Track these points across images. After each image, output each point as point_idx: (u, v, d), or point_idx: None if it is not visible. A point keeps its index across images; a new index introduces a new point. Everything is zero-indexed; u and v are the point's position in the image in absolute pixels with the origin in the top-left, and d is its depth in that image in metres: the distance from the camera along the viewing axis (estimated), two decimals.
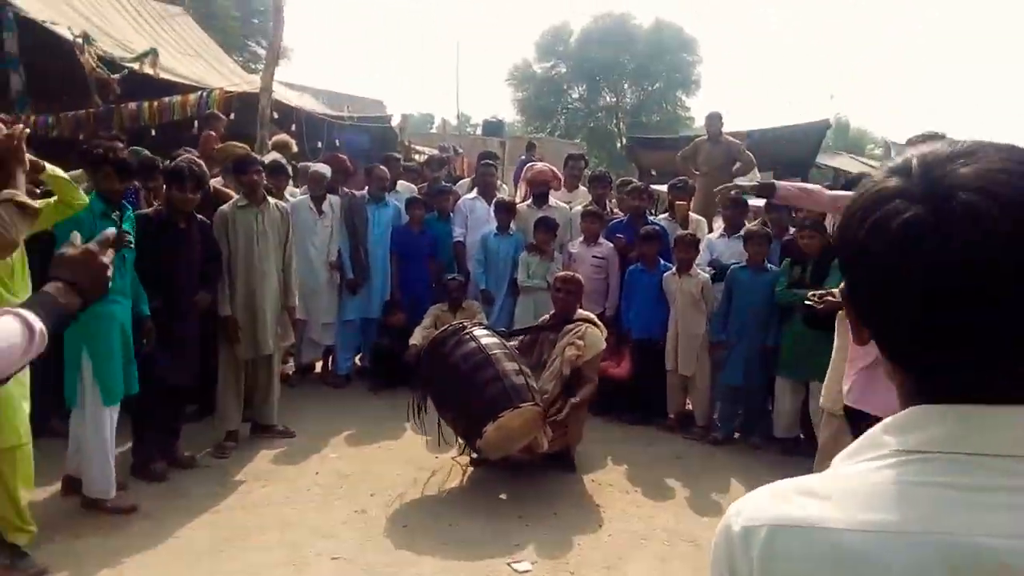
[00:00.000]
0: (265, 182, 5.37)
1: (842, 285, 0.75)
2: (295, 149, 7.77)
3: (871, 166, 14.89)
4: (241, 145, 6.71)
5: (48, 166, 3.49)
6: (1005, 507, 0.62)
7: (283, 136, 7.91)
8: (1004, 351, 0.64)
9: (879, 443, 0.69)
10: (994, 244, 0.62)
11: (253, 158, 5.47)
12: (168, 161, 4.91)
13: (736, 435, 5.71)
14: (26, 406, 3.32)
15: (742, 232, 5.93)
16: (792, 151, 11.77)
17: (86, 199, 3.68)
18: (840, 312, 4.29)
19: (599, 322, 5.19)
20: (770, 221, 6.19)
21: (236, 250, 4.99)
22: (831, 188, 6.76)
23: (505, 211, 6.50)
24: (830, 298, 3.97)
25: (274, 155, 6.87)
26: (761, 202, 8.08)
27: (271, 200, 5.22)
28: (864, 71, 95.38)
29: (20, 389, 3.25)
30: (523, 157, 11.39)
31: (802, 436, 5.44)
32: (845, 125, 32.29)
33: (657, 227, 6.13)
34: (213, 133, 7.46)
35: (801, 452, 5.34)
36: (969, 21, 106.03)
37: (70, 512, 3.95)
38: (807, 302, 4.15)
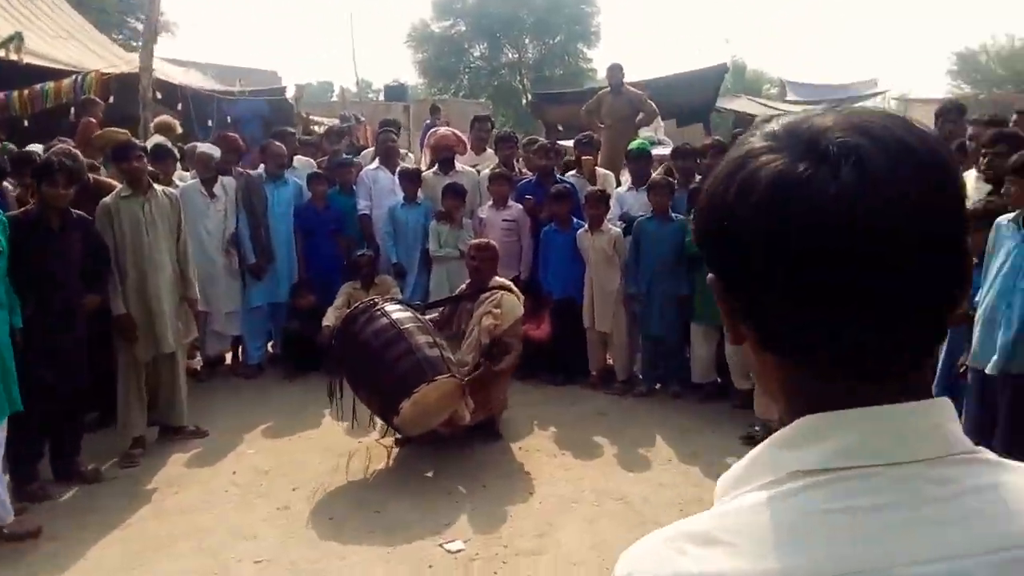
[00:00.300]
0: (149, 168, 5.04)
1: (710, 275, 0.65)
2: (180, 130, 7.36)
3: (769, 106, 15.23)
4: (121, 131, 6.30)
5: None
6: (932, 523, 0.54)
7: (165, 117, 7.46)
8: (906, 318, 0.57)
9: (772, 463, 0.60)
10: (875, 187, 0.55)
11: (133, 143, 5.12)
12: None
13: (658, 386, 5.77)
14: None
15: (632, 187, 5.95)
16: (692, 97, 11.85)
17: None
18: None
19: (515, 288, 5.12)
20: (677, 170, 6.21)
21: (123, 243, 4.67)
22: (733, 130, 6.89)
23: (410, 180, 6.31)
24: None
25: (157, 138, 6.48)
26: (666, 150, 8.15)
27: (157, 187, 4.90)
28: (756, 12, 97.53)
29: None
30: (428, 121, 11.14)
31: (719, 380, 5.55)
32: (742, 68, 32.83)
33: (567, 185, 6.07)
34: (92, 120, 6.99)
35: (719, 396, 5.47)
36: None
37: None
38: None
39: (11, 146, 5.10)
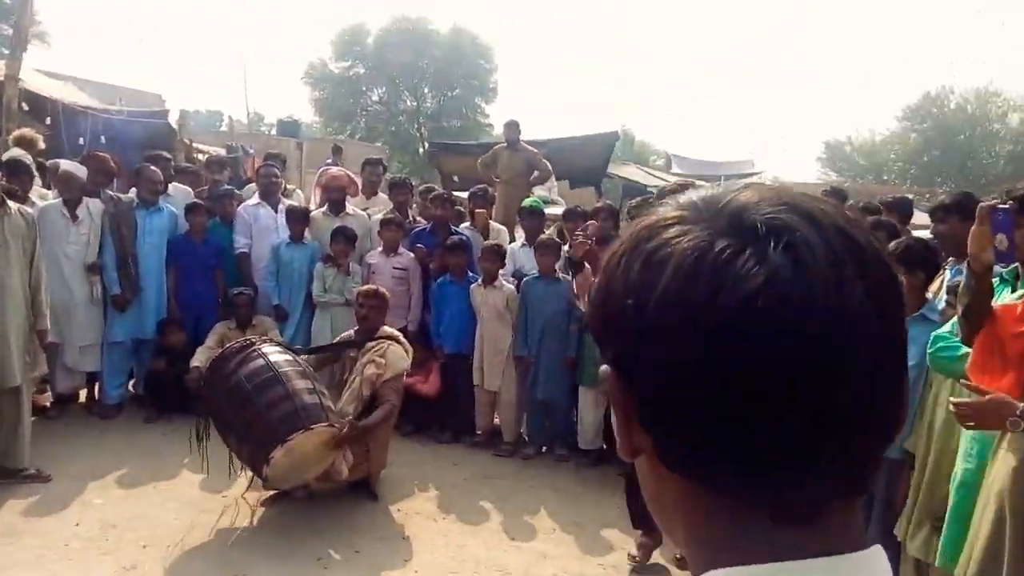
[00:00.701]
0: (4, 183, 4.57)
1: (604, 368, 0.54)
2: (42, 145, 6.77)
3: (656, 176, 15.90)
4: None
5: None
6: None
7: (26, 130, 6.88)
8: (847, 441, 0.47)
9: None
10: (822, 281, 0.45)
11: None
12: None
13: (544, 449, 5.67)
14: None
15: (525, 244, 5.95)
16: (585, 160, 12.16)
17: None
18: None
19: (403, 339, 4.93)
20: (567, 230, 6.24)
21: None
22: (623, 198, 7.08)
23: (297, 220, 6.04)
24: None
25: (15, 151, 5.93)
26: (558, 210, 8.24)
27: (12, 204, 4.43)
28: (646, 87, 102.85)
29: None
30: (330, 161, 10.86)
31: (604, 447, 5.51)
32: (631, 137, 34.33)
33: (463, 237, 5.98)
34: None
35: (606, 462, 5.42)
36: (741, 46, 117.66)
37: None
38: None
39: None
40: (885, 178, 30.23)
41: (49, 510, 4.17)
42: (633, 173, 16.70)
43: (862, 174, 30.98)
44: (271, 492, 4.35)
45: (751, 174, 20.14)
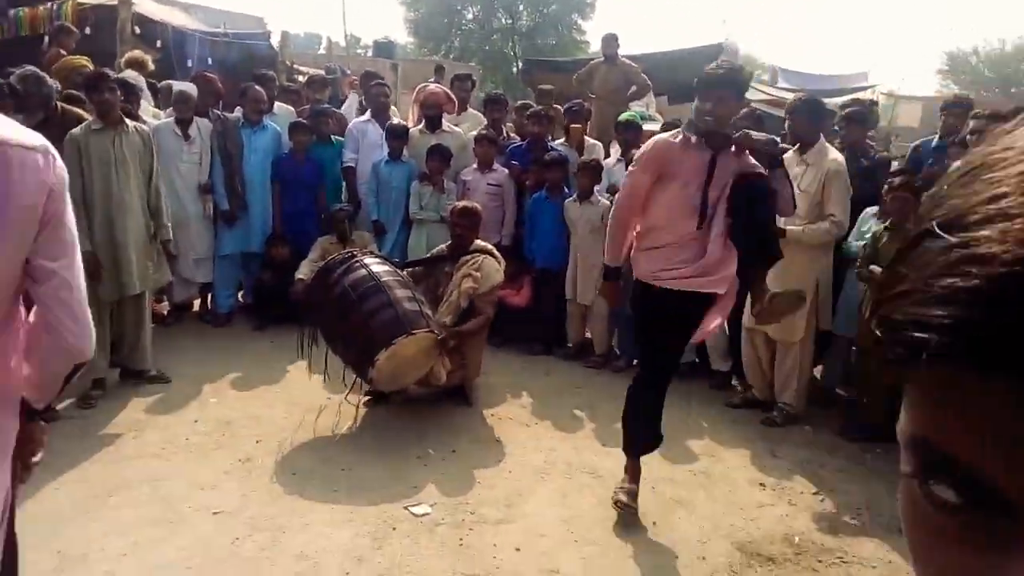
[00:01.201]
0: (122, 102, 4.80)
1: None
2: (152, 67, 7.04)
3: (761, 91, 15.11)
4: (81, 58, 6.01)
5: None
6: None
7: (137, 52, 7.13)
8: None
9: None
10: None
11: (106, 74, 4.84)
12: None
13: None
14: None
15: (621, 159, 5.83)
16: (685, 75, 11.64)
17: None
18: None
19: (497, 253, 4.99)
20: None
21: (91, 179, 4.43)
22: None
23: (397, 137, 6.11)
24: None
25: (128, 73, 6.20)
26: (656, 126, 8.01)
27: (130, 123, 4.67)
28: None
29: None
30: (432, 80, 10.87)
31: (696, 360, 5.49)
32: (735, 51, 32.70)
33: (559, 153, 5.92)
34: (62, 50, 6.68)
35: (698, 375, 5.41)
36: None
37: None
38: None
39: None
40: (1013, 90, 27.79)
41: (169, 408, 4.52)
42: None
43: (987, 86, 28.58)
44: (372, 395, 4.57)
45: (864, 87, 18.89)
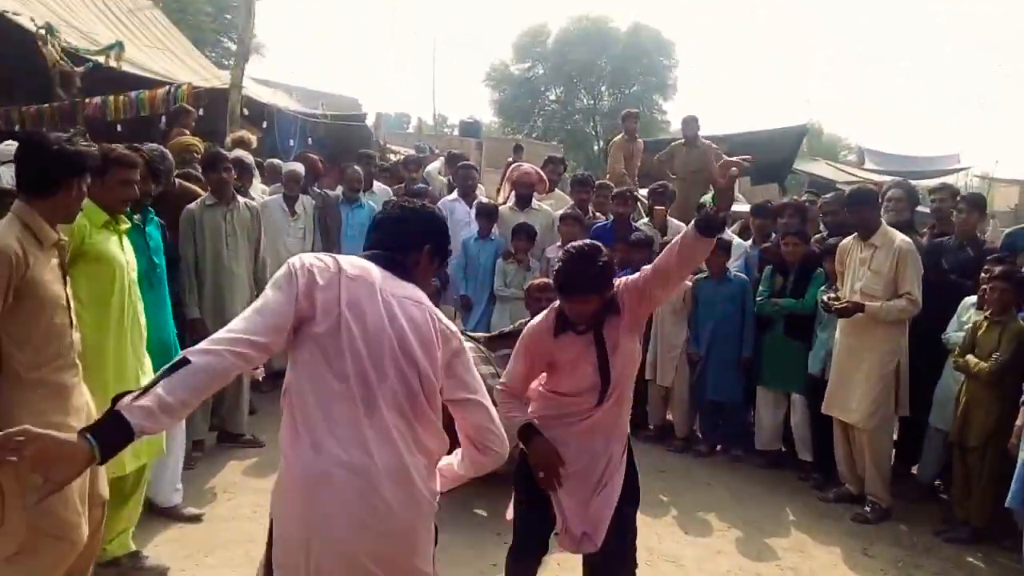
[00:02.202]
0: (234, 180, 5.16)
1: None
2: (254, 144, 7.54)
3: (847, 172, 14.97)
4: (193, 138, 6.48)
5: None
6: None
7: (243, 132, 7.67)
8: None
9: None
10: None
11: (223, 154, 5.24)
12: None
13: (718, 447, 5.61)
14: None
15: None
16: (769, 156, 11.69)
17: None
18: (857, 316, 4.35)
19: None
20: (753, 227, 6.11)
21: (203, 250, 4.76)
22: (801, 195, 6.79)
23: (487, 216, 6.33)
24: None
25: (237, 152, 6.66)
26: (741, 206, 8.03)
27: (240, 199, 5.01)
28: (837, 76, 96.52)
29: None
30: (511, 159, 11.26)
31: (783, 449, 5.36)
32: (819, 131, 32.54)
33: (645, 233, 6.02)
34: (183, 129, 7.22)
35: (784, 464, 5.28)
36: (938, 27, 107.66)
37: None
38: (828, 301, 4.54)
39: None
40: None
41: (262, 472, 4.67)
42: (821, 169, 15.85)
43: None
44: None
45: (957, 170, 18.47)
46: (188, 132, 7.00)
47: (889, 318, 4.40)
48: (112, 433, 1.57)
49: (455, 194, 6.93)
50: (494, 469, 2.45)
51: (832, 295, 4.62)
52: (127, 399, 1.60)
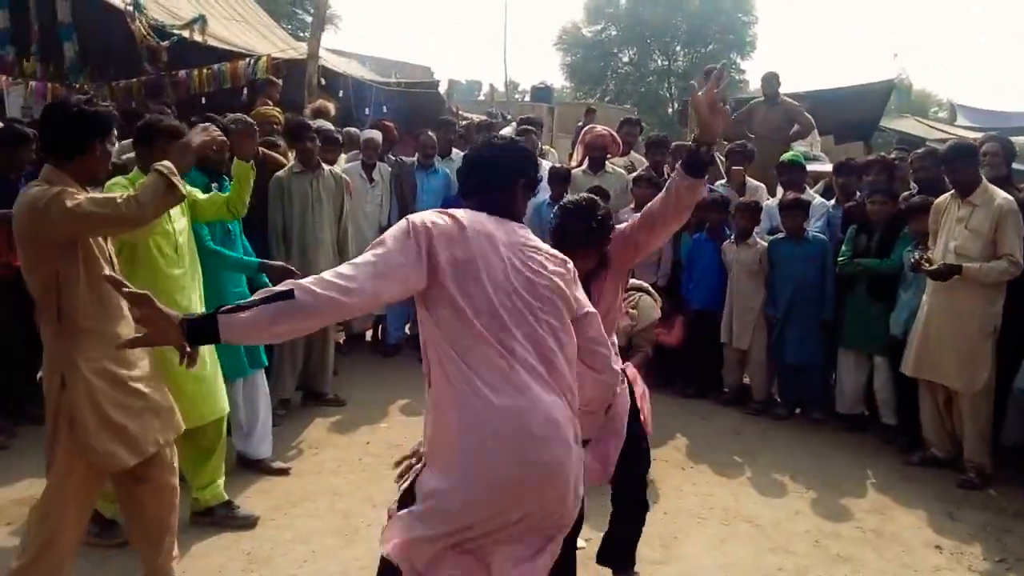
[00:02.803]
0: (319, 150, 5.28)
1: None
2: (333, 113, 7.66)
3: (938, 129, 14.25)
4: (274, 109, 6.64)
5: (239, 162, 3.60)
6: None
7: (321, 101, 7.80)
8: None
9: None
10: None
11: (308, 124, 5.37)
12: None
13: (797, 411, 5.52)
14: None
15: (778, 202, 5.72)
16: (854, 113, 11.20)
17: (244, 212, 3.72)
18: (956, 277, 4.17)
19: (653, 291, 5.02)
20: (837, 186, 5.91)
21: (291, 218, 4.95)
22: (890, 153, 6.48)
23: (559, 180, 6.30)
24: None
25: (319, 122, 6.79)
26: (820, 166, 7.77)
27: (326, 167, 5.14)
28: (927, 29, 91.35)
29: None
30: (580, 123, 11.16)
31: (866, 413, 5.23)
32: (908, 87, 30.91)
33: (721, 194, 5.91)
34: (268, 100, 7.41)
35: (867, 428, 5.16)
36: None
37: None
38: (918, 260, 4.37)
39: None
40: None
41: (345, 430, 4.88)
42: (910, 126, 15.09)
43: None
44: None
45: None
46: (272, 103, 7.19)
47: (988, 280, 4.21)
48: (201, 328, 1.72)
49: None
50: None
51: (921, 255, 4.44)
52: (227, 308, 1.73)
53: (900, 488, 4.32)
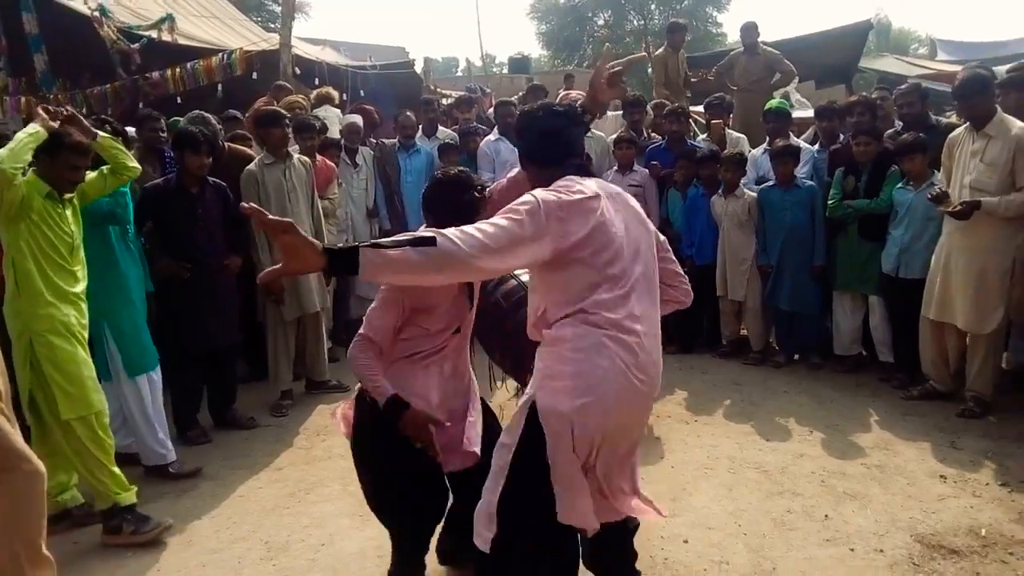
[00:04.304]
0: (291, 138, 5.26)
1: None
2: (336, 100, 7.57)
3: (919, 66, 14.19)
4: (300, 96, 6.62)
5: (100, 133, 3.63)
6: None
7: (325, 89, 7.71)
8: None
9: None
10: None
11: (279, 113, 5.33)
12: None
13: (796, 357, 5.56)
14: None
15: (768, 149, 5.71)
16: (833, 57, 11.16)
17: (138, 167, 3.82)
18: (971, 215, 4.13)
19: None
20: (820, 130, 5.91)
21: (268, 208, 4.87)
22: (872, 93, 6.45)
23: None
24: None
25: (326, 109, 6.76)
26: (803, 112, 7.75)
27: (294, 156, 5.12)
28: None
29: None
30: (561, 91, 11.08)
31: (863, 353, 5.28)
32: (887, 26, 30.74)
33: (713, 148, 5.90)
34: (274, 101, 7.35)
35: (865, 368, 5.21)
36: None
37: (134, 481, 3.99)
38: (937, 195, 4.31)
39: (180, 120, 5.42)
40: None
41: None
42: (891, 64, 15.01)
43: None
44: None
45: None
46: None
47: (1008, 214, 4.11)
48: (344, 258, 1.74)
49: (495, 134, 6.86)
50: None
51: (941, 190, 4.35)
52: (368, 243, 1.77)
53: (901, 423, 4.37)
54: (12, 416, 2.74)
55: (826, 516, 3.39)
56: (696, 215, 5.78)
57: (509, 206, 1.99)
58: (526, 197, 2.00)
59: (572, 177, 2.15)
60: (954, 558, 3.03)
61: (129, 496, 3.44)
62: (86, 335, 3.44)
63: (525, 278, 4.59)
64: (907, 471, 3.79)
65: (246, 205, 1.74)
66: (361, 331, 2.58)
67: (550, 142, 2.23)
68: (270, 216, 1.72)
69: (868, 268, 4.98)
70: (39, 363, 3.27)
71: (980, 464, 3.83)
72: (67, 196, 3.43)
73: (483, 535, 2.15)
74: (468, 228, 1.86)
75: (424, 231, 1.83)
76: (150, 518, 3.44)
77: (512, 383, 4.78)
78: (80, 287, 3.44)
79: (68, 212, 3.42)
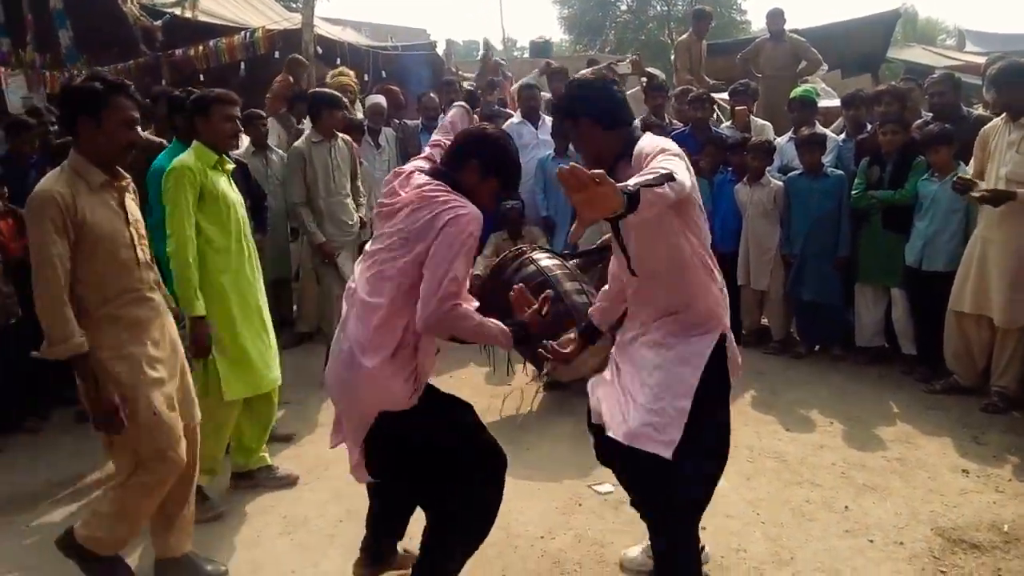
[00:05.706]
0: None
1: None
2: (354, 87, 7.57)
3: (947, 56, 13.97)
4: (350, 76, 6.63)
5: None
6: None
7: (343, 76, 7.71)
8: None
9: None
10: None
11: (339, 98, 5.30)
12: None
13: (817, 348, 5.52)
14: None
15: (794, 137, 5.64)
16: (860, 46, 11.02)
17: None
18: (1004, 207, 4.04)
19: None
20: (847, 119, 5.83)
21: (315, 182, 5.04)
22: (899, 82, 6.33)
23: (559, 134, 6.25)
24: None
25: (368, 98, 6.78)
26: (828, 102, 7.65)
27: (339, 135, 5.22)
28: None
29: None
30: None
31: (886, 345, 5.23)
32: (913, 16, 30.31)
33: (745, 136, 5.84)
34: (290, 78, 7.38)
35: (887, 360, 5.16)
36: None
37: None
38: (960, 186, 4.22)
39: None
40: None
41: None
42: (918, 55, 14.81)
43: None
44: (552, 382, 4.75)
45: None
46: (294, 81, 7.13)
47: None
48: (632, 197, 1.79)
49: (518, 117, 6.83)
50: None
51: (964, 175, 4.29)
52: (642, 183, 1.86)
53: (923, 417, 4.33)
54: (176, 404, 2.78)
55: (846, 507, 3.37)
56: (721, 202, 5.72)
57: (659, 156, 2.13)
58: (663, 145, 2.20)
59: (649, 134, 2.34)
60: (975, 553, 3.01)
61: (204, 478, 3.41)
62: None
63: (544, 263, 4.59)
64: (929, 465, 3.76)
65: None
66: (446, 300, 2.34)
67: (619, 104, 2.39)
68: (587, 171, 1.67)
69: (892, 260, 4.91)
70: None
71: (1004, 459, 3.79)
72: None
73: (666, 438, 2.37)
74: (667, 164, 2.02)
75: (660, 167, 1.97)
76: (209, 499, 3.49)
77: (531, 368, 4.79)
78: None
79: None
